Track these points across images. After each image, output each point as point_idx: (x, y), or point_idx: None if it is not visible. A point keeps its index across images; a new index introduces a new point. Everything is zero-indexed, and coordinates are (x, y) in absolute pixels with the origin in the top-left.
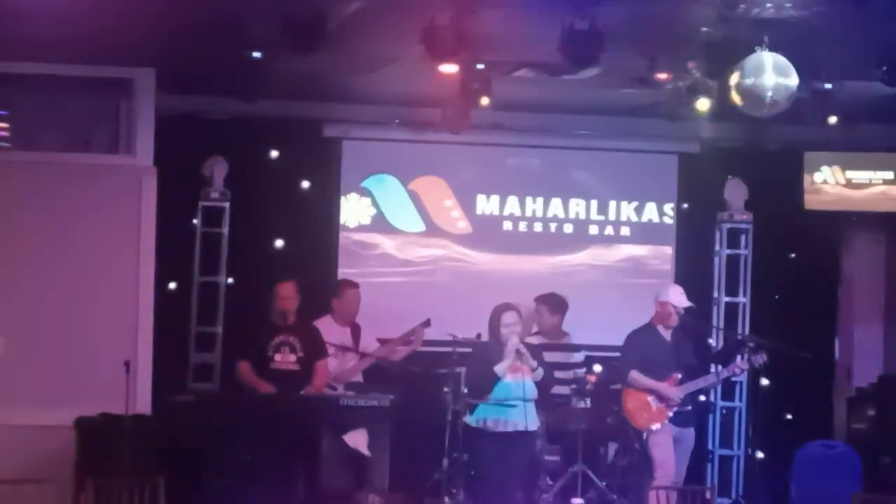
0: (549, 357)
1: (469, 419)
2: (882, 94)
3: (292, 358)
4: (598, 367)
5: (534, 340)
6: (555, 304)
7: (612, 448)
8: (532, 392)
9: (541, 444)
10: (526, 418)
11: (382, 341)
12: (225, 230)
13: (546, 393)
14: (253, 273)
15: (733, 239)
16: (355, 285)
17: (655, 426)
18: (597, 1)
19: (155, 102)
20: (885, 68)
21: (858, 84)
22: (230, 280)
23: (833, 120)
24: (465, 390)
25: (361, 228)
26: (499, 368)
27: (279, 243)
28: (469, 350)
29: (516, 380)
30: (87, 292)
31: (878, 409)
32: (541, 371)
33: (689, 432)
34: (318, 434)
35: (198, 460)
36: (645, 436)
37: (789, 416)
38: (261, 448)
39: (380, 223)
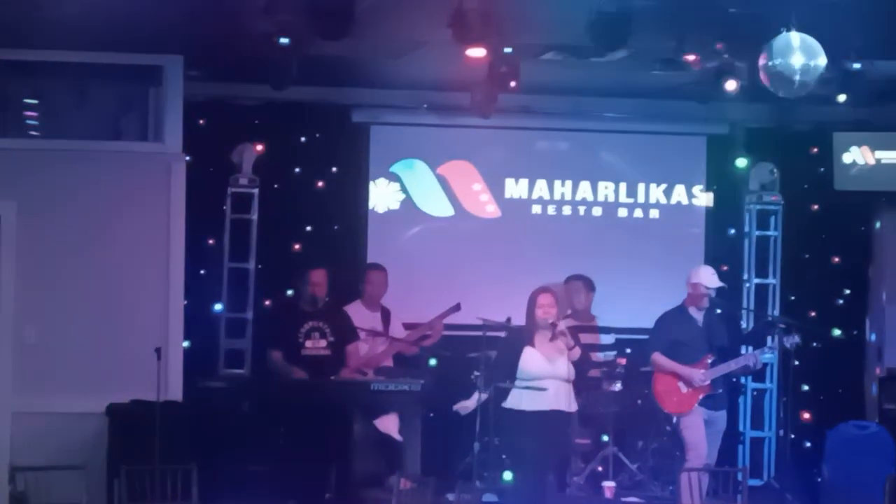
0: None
1: (508, 403)
2: None
3: (323, 343)
4: (628, 350)
5: (567, 324)
6: (588, 281)
7: (644, 431)
8: (568, 372)
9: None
10: (567, 399)
11: (409, 326)
12: (254, 216)
13: (584, 375)
14: (282, 259)
15: (763, 220)
16: (382, 269)
17: (692, 405)
18: None
19: (184, 89)
20: None
21: (888, 63)
22: (260, 266)
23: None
24: (491, 374)
25: (390, 213)
26: (528, 353)
27: (308, 229)
28: (501, 334)
29: (551, 359)
30: (117, 280)
31: None
32: (578, 350)
33: (721, 415)
34: (350, 419)
35: (229, 446)
36: (675, 419)
37: (821, 397)
38: (293, 433)
39: (409, 208)
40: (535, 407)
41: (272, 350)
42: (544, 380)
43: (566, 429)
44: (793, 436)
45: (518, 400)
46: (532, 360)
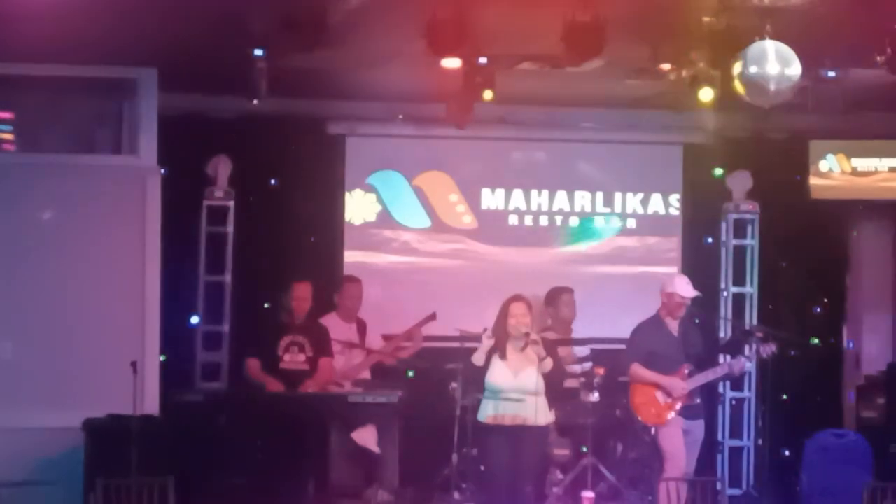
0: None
1: (479, 415)
2: (886, 82)
3: (301, 358)
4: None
5: (547, 335)
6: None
7: (622, 441)
8: (538, 385)
9: (551, 437)
10: (535, 412)
11: (387, 338)
12: (230, 229)
13: (558, 387)
14: (258, 272)
15: (740, 229)
16: (357, 281)
17: (670, 415)
18: None
19: (158, 102)
20: (886, 55)
21: (862, 72)
22: (236, 279)
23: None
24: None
25: (367, 225)
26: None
27: (284, 241)
28: (477, 345)
29: (518, 372)
30: (92, 293)
31: (888, 396)
32: (549, 362)
33: (699, 424)
34: (327, 431)
35: (207, 459)
36: (654, 429)
37: (799, 406)
38: (270, 446)
39: (385, 219)
40: (508, 422)
41: (249, 358)
42: (516, 392)
43: (542, 443)
44: (771, 445)
45: (492, 414)
46: (499, 372)
